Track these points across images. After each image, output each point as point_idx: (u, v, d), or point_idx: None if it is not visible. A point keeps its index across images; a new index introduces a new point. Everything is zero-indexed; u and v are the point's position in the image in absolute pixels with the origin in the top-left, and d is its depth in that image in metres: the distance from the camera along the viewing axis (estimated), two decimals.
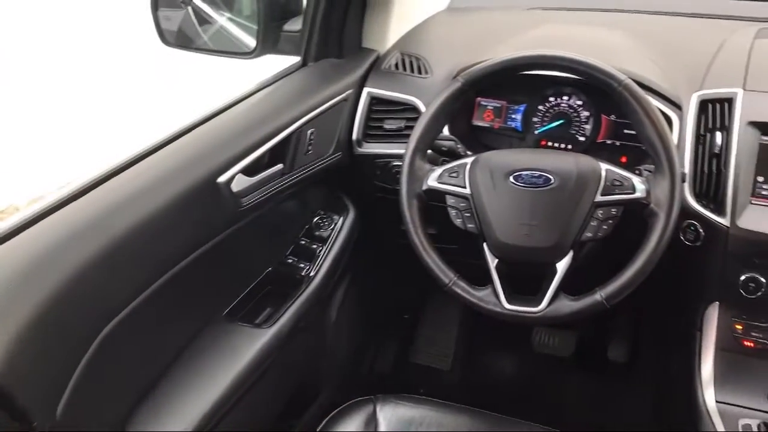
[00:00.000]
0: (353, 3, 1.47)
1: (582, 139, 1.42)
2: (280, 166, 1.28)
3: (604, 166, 1.12)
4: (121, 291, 1.00)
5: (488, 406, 1.32)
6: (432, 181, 1.18)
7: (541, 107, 1.44)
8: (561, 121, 1.43)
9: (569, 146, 1.43)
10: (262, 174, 1.24)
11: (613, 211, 1.10)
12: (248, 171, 1.20)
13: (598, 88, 1.14)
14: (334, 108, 1.39)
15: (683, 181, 1.14)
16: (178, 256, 1.11)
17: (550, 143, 1.44)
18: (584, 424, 1.78)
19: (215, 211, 1.17)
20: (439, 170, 1.19)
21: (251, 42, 1.43)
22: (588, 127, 1.42)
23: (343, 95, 1.42)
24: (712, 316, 1.26)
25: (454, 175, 1.17)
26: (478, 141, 1.48)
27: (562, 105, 1.43)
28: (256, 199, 1.23)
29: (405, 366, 2.01)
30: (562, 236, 1.09)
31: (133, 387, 1.12)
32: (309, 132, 1.33)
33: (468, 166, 1.17)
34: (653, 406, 1.75)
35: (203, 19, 1.45)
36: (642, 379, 1.83)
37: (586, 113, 1.42)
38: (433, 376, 2.00)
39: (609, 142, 1.41)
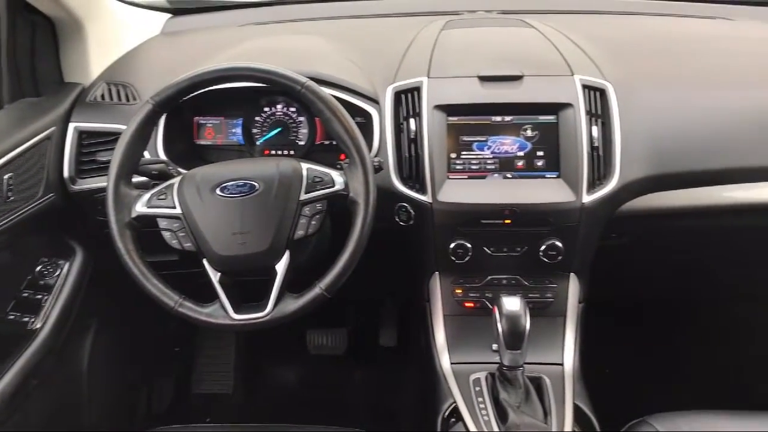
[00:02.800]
0: (39, 38, 1.40)
1: (302, 143, 1.48)
2: None
3: (305, 166, 1.17)
4: None
5: (277, 417, 1.32)
6: (141, 207, 1.15)
7: (258, 118, 1.48)
8: (279, 129, 1.48)
9: (291, 152, 1.48)
10: None
11: (319, 206, 1.15)
12: None
13: None
14: (35, 148, 1.32)
15: (380, 169, 1.23)
16: None
17: (273, 152, 1.48)
18: (369, 413, 1.85)
19: None
20: (147, 195, 1.17)
21: None
22: (305, 131, 1.48)
23: (45, 133, 1.35)
24: (435, 286, 1.37)
25: (162, 197, 1.16)
26: (204, 160, 1.48)
27: (278, 113, 1.48)
28: None
29: (187, 399, 1.96)
30: (275, 238, 1.12)
31: None
32: (6, 177, 1.24)
33: (176, 186, 1.16)
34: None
35: None
36: (410, 359, 1.94)
37: (301, 118, 1.48)
38: (218, 402, 1.97)
39: (327, 142, 1.48)
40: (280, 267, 1.13)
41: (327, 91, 1.19)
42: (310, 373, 2.02)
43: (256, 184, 1.14)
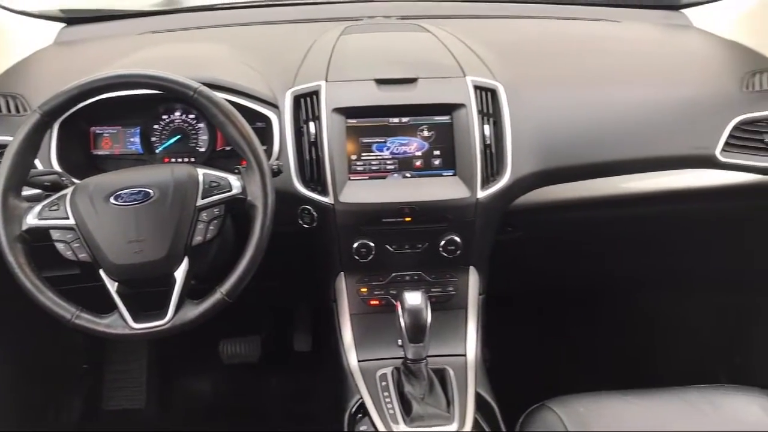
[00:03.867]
0: None
1: (202, 150, 1.47)
2: None
3: (200, 171, 1.17)
4: None
5: (191, 430, 1.30)
6: (32, 219, 1.12)
7: (156, 126, 1.47)
8: (178, 137, 1.47)
9: (192, 159, 1.47)
10: None
11: (216, 211, 1.15)
12: None
13: None
14: None
15: (279, 172, 1.24)
16: None
17: (174, 159, 1.47)
18: (285, 419, 1.85)
19: None
20: (38, 207, 1.14)
21: None
22: (205, 137, 1.47)
23: None
24: (341, 286, 1.39)
25: (54, 208, 1.13)
26: (102, 170, 1.44)
27: (177, 121, 1.47)
28: None
29: (97, 416, 1.91)
30: (173, 245, 1.12)
31: None
32: None
33: (68, 196, 1.14)
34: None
35: None
36: (325, 362, 1.95)
37: (201, 125, 1.47)
38: (130, 418, 1.92)
39: (228, 148, 1.47)
40: (179, 274, 1.13)
41: (223, 96, 1.19)
42: (224, 383, 2.01)
43: (150, 191, 1.13)
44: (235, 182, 1.16)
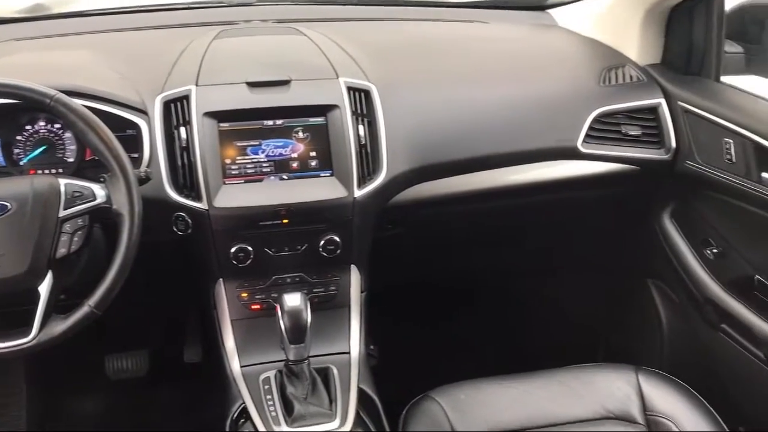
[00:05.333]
0: None
1: (70, 160, 1.41)
2: None
3: (63, 181, 1.13)
4: None
5: None
6: None
7: (20, 137, 1.40)
8: (44, 147, 1.40)
9: (60, 170, 1.41)
10: None
11: (80, 221, 1.12)
12: None
13: None
14: None
15: (147, 179, 1.21)
16: None
17: (40, 171, 1.41)
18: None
19: None
20: None
21: None
22: (73, 147, 1.42)
23: None
24: (220, 292, 1.38)
25: None
26: None
27: (42, 131, 1.40)
28: None
29: None
30: (34, 259, 1.08)
31: None
32: None
33: None
34: None
35: None
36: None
37: (68, 134, 1.41)
38: None
39: (98, 158, 1.43)
40: (44, 288, 1.09)
41: (87, 104, 1.16)
42: (111, 401, 1.94)
43: (7, 204, 1.08)
44: (99, 191, 1.13)
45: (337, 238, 1.36)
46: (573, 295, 2.01)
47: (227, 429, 1.23)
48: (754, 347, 1.37)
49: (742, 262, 1.49)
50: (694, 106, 1.49)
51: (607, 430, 1.29)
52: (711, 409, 1.31)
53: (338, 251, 1.37)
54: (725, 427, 1.28)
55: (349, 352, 1.37)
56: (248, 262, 1.34)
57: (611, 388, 1.36)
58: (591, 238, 1.85)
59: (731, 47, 1.58)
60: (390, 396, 1.34)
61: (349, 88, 1.39)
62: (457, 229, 1.67)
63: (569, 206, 1.68)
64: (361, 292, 1.43)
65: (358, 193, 1.34)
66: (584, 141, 1.51)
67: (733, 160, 1.39)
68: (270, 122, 1.35)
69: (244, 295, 1.38)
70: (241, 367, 1.33)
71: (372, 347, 1.58)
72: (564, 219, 1.73)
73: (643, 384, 1.35)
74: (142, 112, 1.35)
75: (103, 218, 1.15)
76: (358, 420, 1.23)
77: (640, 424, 1.30)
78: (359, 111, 1.38)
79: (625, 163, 1.55)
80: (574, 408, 1.32)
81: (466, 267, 1.86)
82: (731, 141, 1.39)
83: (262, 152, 1.35)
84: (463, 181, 1.50)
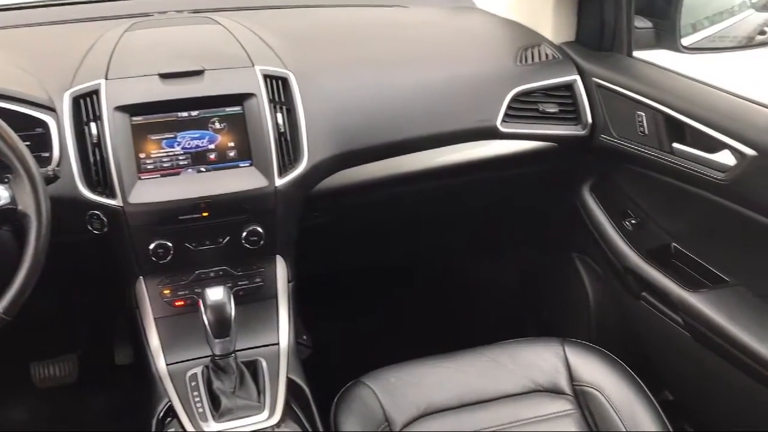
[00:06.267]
0: None
1: None
2: None
3: None
4: None
5: None
6: None
7: None
8: None
9: None
10: None
11: None
12: None
13: None
14: None
15: (55, 178, 1.17)
16: None
17: None
18: None
19: None
20: None
21: None
22: None
23: None
24: (141, 290, 1.34)
25: None
26: None
27: None
28: None
29: None
30: None
31: None
32: None
33: None
34: None
35: None
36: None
37: None
38: None
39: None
40: None
41: None
42: (39, 410, 1.87)
43: None
44: (2, 192, 1.08)
45: (260, 229, 1.34)
46: (503, 272, 2.04)
47: (153, 429, 1.21)
48: (672, 313, 1.41)
49: (659, 231, 1.53)
50: (607, 81, 1.52)
51: (536, 401, 1.32)
52: (635, 375, 1.34)
53: (262, 242, 1.35)
54: (648, 392, 1.32)
55: (278, 344, 1.35)
56: (168, 258, 1.31)
57: (539, 361, 1.38)
58: (517, 216, 1.88)
59: (641, 22, 1.61)
60: (326, 384, 1.34)
61: (266, 76, 1.36)
62: (384, 214, 1.67)
63: (494, 186, 1.70)
64: (289, 282, 1.42)
65: (280, 182, 1.32)
66: (503, 120, 1.53)
67: (646, 132, 1.43)
68: (185, 114, 1.32)
69: (167, 292, 1.35)
70: (167, 365, 1.30)
71: (304, 337, 1.57)
72: (490, 198, 1.75)
73: (570, 355, 1.38)
74: (50, 109, 1.30)
75: (9, 220, 1.10)
76: (288, 410, 1.22)
77: (568, 394, 1.33)
78: (277, 99, 1.36)
79: (544, 141, 1.57)
80: (503, 383, 1.34)
81: (396, 251, 1.87)
82: (643, 114, 1.43)
83: (178, 145, 1.31)
84: (387, 166, 1.50)
